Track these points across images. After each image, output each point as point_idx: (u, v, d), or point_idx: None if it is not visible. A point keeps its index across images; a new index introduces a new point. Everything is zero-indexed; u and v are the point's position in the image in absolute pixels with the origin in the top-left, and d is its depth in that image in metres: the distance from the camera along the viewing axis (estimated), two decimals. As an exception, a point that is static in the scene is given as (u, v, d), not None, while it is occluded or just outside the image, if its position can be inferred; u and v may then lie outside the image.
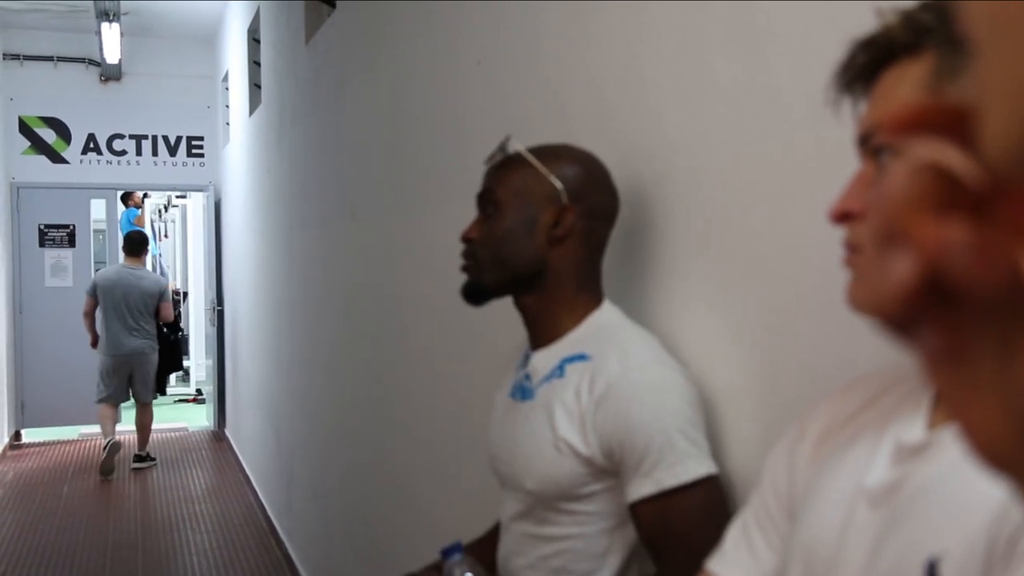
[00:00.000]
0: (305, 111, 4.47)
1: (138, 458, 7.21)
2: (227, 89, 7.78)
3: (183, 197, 11.27)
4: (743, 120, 1.29)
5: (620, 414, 1.31)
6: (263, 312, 6.00)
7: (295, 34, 4.62)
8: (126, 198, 9.88)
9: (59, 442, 8.26)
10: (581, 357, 1.40)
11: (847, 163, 0.85)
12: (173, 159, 8.74)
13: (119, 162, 8.60)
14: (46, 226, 8.38)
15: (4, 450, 7.79)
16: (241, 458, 7.25)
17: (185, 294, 11.14)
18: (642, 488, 1.30)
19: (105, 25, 7.16)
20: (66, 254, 8.44)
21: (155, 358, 7.31)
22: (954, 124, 0.26)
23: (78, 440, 8.36)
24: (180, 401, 10.26)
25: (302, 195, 4.63)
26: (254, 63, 6.23)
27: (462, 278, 1.50)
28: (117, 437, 7.08)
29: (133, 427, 7.32)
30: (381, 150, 3.17)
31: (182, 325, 9.76)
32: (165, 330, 7.57)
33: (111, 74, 8.46)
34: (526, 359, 1.50)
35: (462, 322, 2.33)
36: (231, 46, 7.29)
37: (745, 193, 1.30)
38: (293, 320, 4.95)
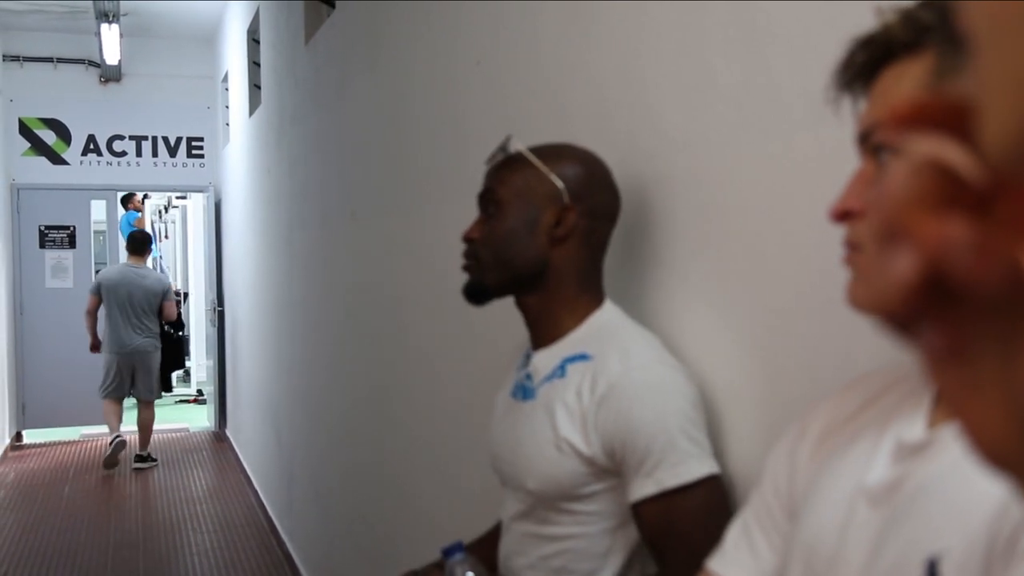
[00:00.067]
0: (305, 111, 4.47)
1: (139, 458, 7.23)
2: (227, 90, 7.78)
3: (183, 198, 11.27)
4: (743, 120, 1.29)
5: (622, 414, 1.31)
6: (263, 313, 6.00)
7: (295, 34, 4.62)
8: (126, 201, 9.89)
9: (60, 443, 8.26)
10: (582, 357, 1.40)
11: (847, 162, 0.85)
12: (173, 160, 8.75)
13: (119, 163, 8.60)
14: (46, 227, 8.38)
15: (5, 451, 7.79)
16: (242, 458, 7.25)
17: (186, 295, 11.14)
18: (644, 488, 1.30)
19: (105, 26, 7.17)
20: (66, 255, 8.44)
21: (158, 356, 7.35)
22: (954, 121, 0.26)
23: (79, 441, 8.36)
24: (181, 402, 10.26)
25: (302, 195, 4.63)
26: (254, 63, 6.23)
27: (463, 278, 1.50)
28: (123, 436, 7.14)
29: (135, 426, 7.34)
30: (381, 150, 3.17)
31: (184, 322, 9.76)
32: (168, 329, 7.58)
33: (111, 75, 8.46)
34: (527, 359, 1.50)
35: (462, 322, 2.33)
36: (231, 47, 7.29)
37: (745, 192, 1.30)
38: (294, 320, 4.95)
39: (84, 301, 7.39)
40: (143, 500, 6.51)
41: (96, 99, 8.52)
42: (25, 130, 8.37)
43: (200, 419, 9.25)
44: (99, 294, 7.13)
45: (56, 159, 8.44)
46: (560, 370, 1.41)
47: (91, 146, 8.52)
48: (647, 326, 1.45)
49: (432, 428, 2.68)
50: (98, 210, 8.78)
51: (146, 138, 8.66)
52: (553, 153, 1.45)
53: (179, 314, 8.10)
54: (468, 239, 1.47)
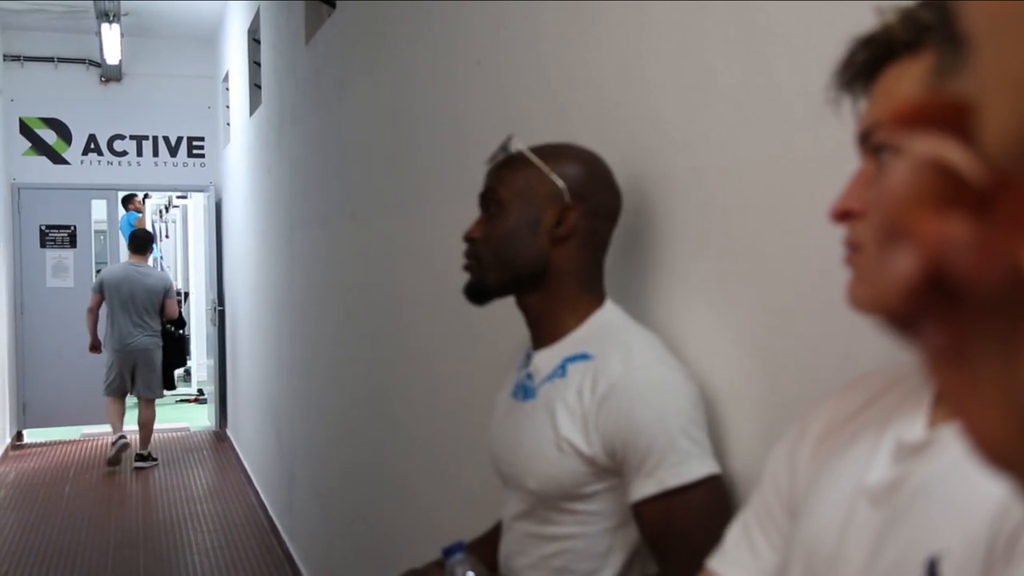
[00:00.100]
0: (305, 111, 4.47)
1: (140, 457, 7.25)
2: (227, 89, 7.78)
3: (184, 198, 11.28)
4: (743, 119, 1.29)
5: (623, 414, 1.31)
6: (264, 312, 6.01)
7: (295, 34, 4.62)
8: (127, 202, 9.90)
9: (61, 442, 8.26)
10: (583, 356, 1.40)
11: (847, 162, 0.85)
12: (174, 159, 8.75)
13: (120, 163, 8.60)
14: (47, 227, 8.39)
15: (6, 450, 7.79)
16: (242, 458, 7.26)
17: (186, 294, 11.14)
18: (645, 488, 1.30)
19: (105, 26, 7.17)
20: (67, 255, 8.45)
21: (159, 354, 7.38)
22: (954, 120, 0.26)
23: (80, 440, 8.37)
24: (182, 401, 10.27)
25: (303, 195, 4.63)
26: (254, 63, 6.24)
27: (463, 278, 1.50)
28: (127, 438, 7.20)
29: (136, 425, 7.36)
30: (381, 150, 3.17)
31: (186, 320, 9.76)
32: (170, 326, 7.60)
33: (111, 75, 8.46)
34: (528, 358, 1.50)
35: (462, 322, 2.33)
36: (231, 46, 7.29)
37: (746, 192, 1.30)
38: (294, 320, 4.95)
39: (85, 301, 7.42)
40: (144, 499, 6.51)
41: (97, 99, 8.52)
42: (26, 130, 8.37)
43: (201, 418, 9.25)
44: (102, 292, 7.17)
45: (57, 159, 8.44)
46: (561, 370, 1.41)
47: (92, 146, 8.52)
48: (648, 326, 1.45)
49: (432, 428, 2.68)
50: (99, 210, 8.79)
51: (147, 138, 8.66)
52: (554, 153, 1.45)
53: (180, 312, 8.11)
54: (469, 239, 1.47)
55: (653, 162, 1.51)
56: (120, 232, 9.10)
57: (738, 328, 1.33)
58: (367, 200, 3.41)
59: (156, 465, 7.30)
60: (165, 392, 7.98)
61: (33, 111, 8.36)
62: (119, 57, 7.93)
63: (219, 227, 8.49)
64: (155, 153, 8.69)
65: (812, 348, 1.18)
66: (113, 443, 7.20)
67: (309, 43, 4.33)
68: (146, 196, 10.79)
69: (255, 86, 6.21)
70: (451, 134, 2.47)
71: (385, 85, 3.07)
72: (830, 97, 0.85)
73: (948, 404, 0.28)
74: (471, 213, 1.52)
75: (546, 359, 1.45)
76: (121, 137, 8.59)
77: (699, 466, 1.29)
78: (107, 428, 7.92)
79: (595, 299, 1.46)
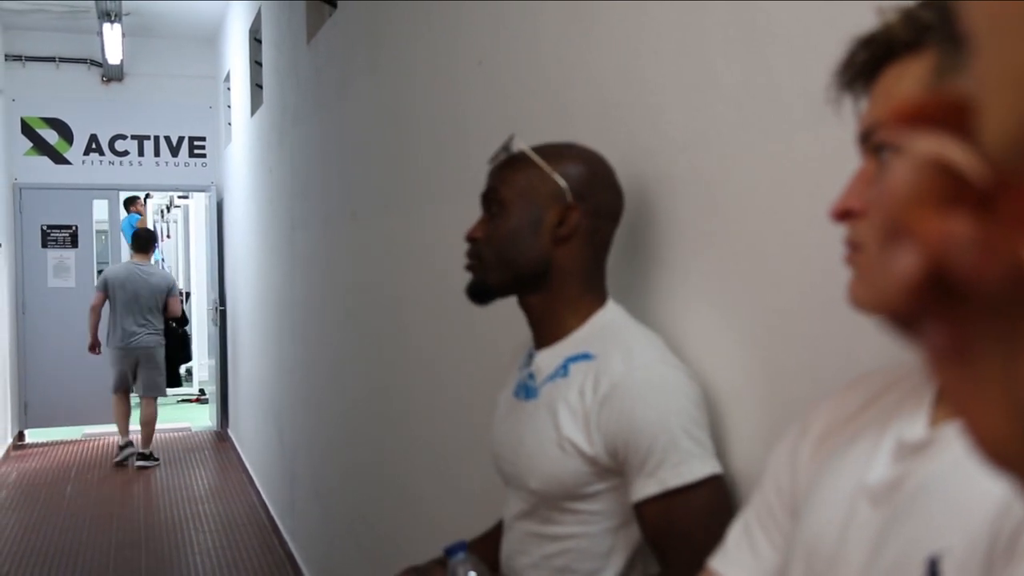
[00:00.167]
0: (307, 111, 4.47)
1: (142, 456, 7.27)
2: (229, 89, 7.79)
3: (185, 197, 11.27)
4: (744, 119, 1.29)
5: (624, 413, 1.31)
6: (265, 312, 6.01)
7: (296, 34, 4.62)
8: (129, 204, 9.91)
9: (62, 442, 8.26)
10: (585, 356, 1.39)
11: (848, 162, 0.85)
12: (175, 159, 8.75)
13: (121, 163, 8.60)
14: (49, 227, 8.39)
15: (8, 450, 7.80)
16: (244, 458, 7.26)
17: (188, 294, 11.15)
18: (646, 488, 1.30)
19: (107, 26, 7.17)
20: (69, 255, 8.45)
21: (162, 352, 7.43)
22: (955, 119, 0.26)
23: (81, 440, 8.37)
24: (183, 401, 10.27)
25: (304, 195, 4.63)
26: (256, 63, 6.24)
27: (464, 278, 1.50)
28: (133, 443, 7.32)
29: (138, 424, 7.40)
30: (383, 150, 3.17)
31: (188, 318, 9.78)
32: (173, 323, 7.64)
33: (113, 75, 8.46)
34: (530, 358, 1.50)
35: (463, 322, 2.33)
36: (233, 46, 7.30)
37: (747, 192, 1.30)
38: (295, 320, 4.95)
39: (86, 301, 7.45)
40: (145, 499, 6.51)
41: (98, 99, 8.52)
42: (27, 130, 8.37)
43: (202, 418, 9.26)
44: (105, 290, 7.22)
45: (58, 159, 8.44)
46: (563, 369, 1.41)
47: (93, 146, 8.52)
48: (649, 325, 1.45)
49: (433, 428, 2.69)
50: (100, 210, 8.79)
51: (148, 138, 8.66)
52: (556, 152, 1.45)
53: (183, 309, 8.14)
54: (471, 239, 1.47)
55: (654, 162, 1.51)
56: (121, 234, 9.10)
57: (739, 327, 1.33)
58: (368, 200, 3.41)
59: (158, 465, 7.31)
60: (169, 392, 8.02)
61: (35, 111, 8.36)
62: (120, 57, 7.93)
63: (220, 227, 8.49)
64: (156, 153, 8.69)
65: (813, 348, 1.18)
66: (121, 447, 7.33)
67: (310, 43, 4.33)
68: (147, 196, 10.79)
69: (256, 86, 6.21)
70: (452, 134, 2.47)
71: (386, 85, 3.07)
72: (831, 97, 0.85)
73: (949, 403, 0.28)
74: (473, 213, 1.52)
75: (548, 359, 1.45)
76: (122, 137, 8.60)
77: (701, 466, 1.29)
78: (109, 428, 7.99)
79: (597, 299, 1.46)
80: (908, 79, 0.77)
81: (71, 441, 8.33)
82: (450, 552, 1.47)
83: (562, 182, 1.41)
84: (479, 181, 1.52)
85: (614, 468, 1.34)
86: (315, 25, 4.31)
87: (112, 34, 7.30)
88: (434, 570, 1.55)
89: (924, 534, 0.72)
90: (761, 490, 0.99)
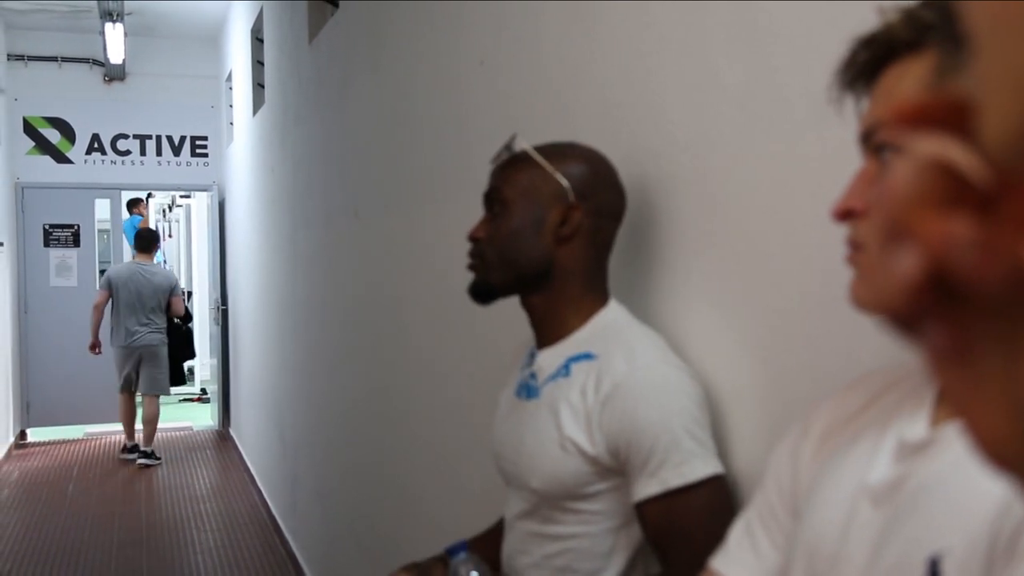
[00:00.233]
0: (309, 111, 4.47)
1: (143, 454, 7.30)
2: (231, 89, 7.79)
3: (187, 197, 11.28)
4: (746, 119, 1.29)
5: (626, 413, 1.31)
6: (267, 311, 6.01)
7: (298, 34, 4.63)
8: (132, 206, 9.92)
9: (64, 441, 8.27)
10: (587, 356, 1.39)
11: (850, 162, 0.85)
12: (177, 159, 8.76)
13: (123, 162, 8.61)
14: (51, 226, 8.40)
15: (10, 449, 7.81)
16: (245, 457, 7.27)
17: (190, 294, 11.16)
18: (648, 488, 1.30)
19: (109, 25, 7.17)
20: (71, 254, 8.46)
21: (164, 351, 7.46)
22: (956, 119, 0.26)
23: (83, 439, 8.38)
24: (185, 400, 10.28)
25: (306, 195, 4.63)
26: (258, 63, 6.24)
27: (465, 278, 1.50)
28: (139, 445, 7.40)
29: (140, 423, 7.45)
30: (385, 150, 3.17)
31: (192, 315, 9.79)
32: (177, 321, 7.66)
33: (115, 74, 8.47)
34: (532, 357, 1.50)
35: (464, 322, 2.33)
36: (235, 46, 7.30)
37: (749, 192, 1.30)
38: (297, 320, 4.96)
39: (88, 300, 7.47)
40: (147, 498, 6.52)
41: (100, 98, 8.53)
42: (29, 129, 8.38)
43: (204, 418, 9.26)
44: (109, 289, 7.25)
45: (60, 158, 8.45)
46: (565, 369, 1.41)
47: (95, 145, 8.53)
48: (651, 325, 1.45)
49: (434, 427, 2.69)
50: (102, 209, 8.80)
51: (150, 137, 8.67)
52: (558, 152, 1.45)
53: (186, 307, 8.17)
54: (473, 238, 1.47)
55: (656, 162, 1.51)
56: (124, 235, 9.11)
57: (741, 328, 1.33)
58: (370, 200, 3.41)
59: (159, 464, 7.33)
60: (172, 391, 8.04)
61: (37, 110, 8.37)
62: (123, 56, 7.94)
63: (222, 226, 8.50)
64: (158, 152, 8.70)
65: (814, 348, 1.18)
66: (128, 449, 7.43)
67: (312, 42, 4.33)
68: (149, 195, 10.79)
69: (258, 85, 6.21)
70: (454, 133, 2.47)
71: (388, 84, 3.07)
72: (832, 97, 0.85)
73: (950, 404, 0.28)
74: (475, 213, 1.52)
75: (550, 358, 1.45)
76: (125, 136, 8.60)
77: (702, 466, 1.29)
78: (110, 427, 8.04)
79: (599, 298, 1.46)
80: (909, 79, 0.77)
81: (73, 440, 8.34)
82: (452, 552, 1.47)
83: (564, 182, 1.41)
84: (481, 181, 1.52)
85: (615, 468, 1.34)
86: (317, 25, 4.31)
87: (114, 34, 7.31)
88: (434, 567, 1.55)
89: (925, 534, 0.72)
90: (763, 490, 0.99)
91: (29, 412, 8.33)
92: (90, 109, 8.48)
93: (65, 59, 8.39)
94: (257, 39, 6.24)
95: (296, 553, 5.03)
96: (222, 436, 8.43)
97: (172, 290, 7.47)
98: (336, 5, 4.00)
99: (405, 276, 2.97)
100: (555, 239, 1.42)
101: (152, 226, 10.80)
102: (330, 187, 4.10)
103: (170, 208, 12.98)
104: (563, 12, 1.82)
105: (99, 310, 7.27)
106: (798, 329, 1.22)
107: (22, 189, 8.28)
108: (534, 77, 1.96)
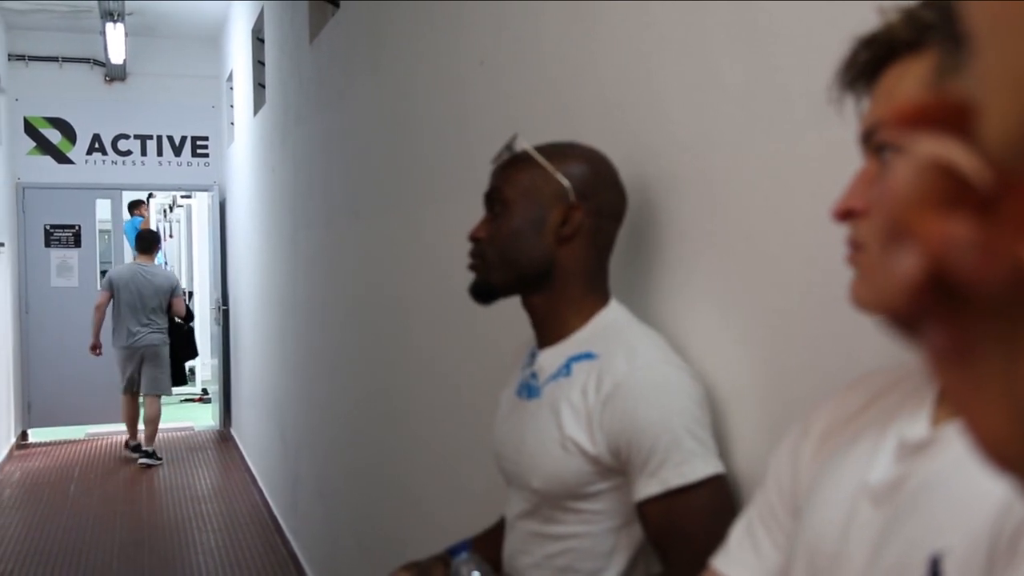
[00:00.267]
0: (309, 111, 4.47)
1: (145, 454, 7.31)
2: (231, 89, 7.79)
3: (188, 197, 11.29)
4: (747, 119, 1.29)
5: (627, 413, 1.31)
6: (268, 312, 6.01)
7: (299, 34, 4.63)
8: (133, 208, 9.93)
9: (65, 442, 8.27)
10: (588, 356, 1.39)
11: (851, 162, 0.85)
12: (178, 159, 8.76)
13: (124, 162, 8.62)
14: (52, 226, 8.41)
15: (11, 450, 7.81)
16: (247, 457, 7.27)
17: (190, 294, 11.16)
18: (648, 487, 1.30)
19: (109, 25, 7.18)
20: (72, 254, 8.46)
21: (166, 351, 7.48)
22: (956, 120, 0.26)
23: (84, 440, 8.38)
24: (186, 400, 10.28)
25: (307, 195, 4.63)
26: (258, 63, 6.24)
27: (466, 278, 1.50)
28: (142, 445, 7.43)
29: (142, 422, 7.47)
30: (385, 150, 3.17)
31: (194, 314, 9.80)
32: (179, 320, 7.68)
33: (116, 74, 8.47)
34: (533, 357, 1.50)
35: (465, 322, 2.33)
36: (235, 46, 7.30)
37: (750, 192, 1.30)
38: (298, 320, 4.96)
39: (89, 300, 7.50)
40: (148, 499, 6.52)
41: (101, 98, 8.53)
42: (30, 129, 8.39)
43: (205, 418, 9.27)
44: (111, 290, 7.28)
45: (61, 158, 8.46)
46: (566, 369, 1.41)
47: (96, 145, 8.54)
48: (652, 325, 1.45)
49: (435, 427, 2.69)
50: (103, 209, 8.81)
51: (151, 137, 8.67)
52: (559, 152, 1.45)
53: (188, 307, 8.18)
54: (474, 238, 1.47)
55: (657, 161, 1.51)
56: (125, 236, 9.11)
57: (742, 327, 1.33)
58: (371, 200, 3.41)
59: (161, 464, 7.33)
60: (173, 391, 8.06)
61: (38, 111, 8.38)
62: (123, 57, 7.94)
63: (223, 227, 8.50)
64: (159, 152, 8.71)
65: (815, 348, 1.18)
66: (131, 448, 7.47)
67: (313, 42, 4.34)
68: (150, 196, 10.80)
69: (259, 85, 6.21)
70: (455, 134, 2.47)
71: (389, 84, 3.07)
72: (833, 96, 0.85)
73: (951, 404, 0.28)
74: (475, 213, 1.52)
75: (551, 358, 1.45)
76: (125, 136, 8.61)
77: (703, 466, 1.29)
78: (112, 428, 8.07)
79: (600, 298, 1.46)
80: (910, 79, 0.77)
81: (74, 440, 8.34)
82: (454, 551, 1.47)
83: (565, 182, 1.41)
84: (482, 181, 1.52)
85: (616, 467, 1.34)
86: (318, 25, 4.32)
87: (115, 34, 7.31)
88: (434, 567, 1.55)
89: (926, 533, 0.72)
90: (763, 490, 0.99)
91: (30, 412, 8.34)
92: (91, 109, 8.48)
93: (66, 59, 8.39)
94: (258, 39, 6.25)
95: (297, 553, 5.03)
96: (223, 436, 8.43)
97: (173, 291, 7.50)
98: (337, 5, 4.00)
99: (406, 276, 2.97)
100: (556, 239, 1.42)
101: (153, 226, 10.81)
102: (331, 187, 4.10)
103: (171, 208, 12.99)
104: (563, 12, 1.82)
105: (100, 311, 7.30)
106: (799, 329, 1.22)
107: (23, 189, 8.28)
108: (535, 77, 1.96)
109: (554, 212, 1.42)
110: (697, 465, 1.29)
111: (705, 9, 1.37)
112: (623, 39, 1.61)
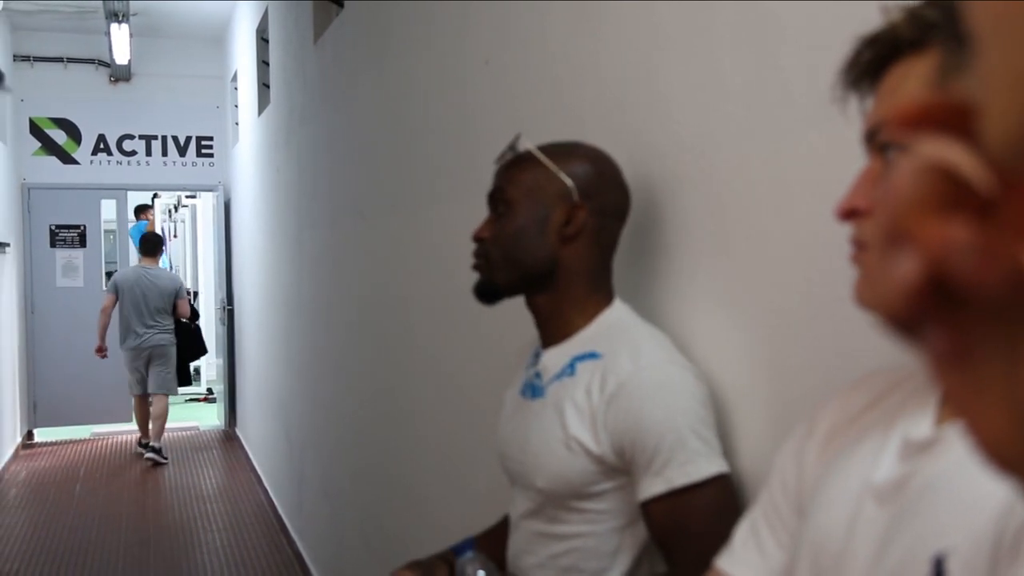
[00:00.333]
0: (314, 110, 4.48)
1: (152, 449, 7.38)
2: (236, 89, 7.80)
3: (193, 197, 11.30)
4: (752, 119, 1.29)
5: (631, 413, 1.31)
6: (273, 312, 6.02)
7: (303, 34, 4.63)
8: (139, 211, 9.95)
9: (71, 441, 8.30)
10: (592, 355, 1.39)
11: (855, 161, 0.84)
12: (183, 159, 8.78)
13: (129, 162, 8.63)
14: (57, 227, 8.43)
15: (17, 450, 7.83)
16: (252, 457, 7.28)
17: (195, 294, 11.18)
18: (653, 487, 1.30)
19: (114, 26, 7.19)
20: (77, 254, 8.48)
21: (173, 351, 7.53)
22: (958, 120, 0.26)
23: (90, 439, 8.41)
24: (191, 400, 10.30)
25: (311, 195, 4.64)
26: (263, 63, 6.25)
27: (470, 277, 1.50)
28: (152, 444, 7.50)
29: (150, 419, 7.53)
30: (390, 150, 3.18)
31: (199, 313, 9.82)
32: (184, 320, 7.70)
33: (121, 75, 8.49)
34: (537, 357, 1.50)
35: (470, 321, 2.33)
36: (240, 46, 7.31)
37: (754, 191, 1.30)
38: (303, 320, 4.96)
39: (95, 300, 7.54)
40: (154, 498, 6.53)
41: (106, 99, 8.55)
42: (35, 130, 8.41)
43: (210, 418, 9.28)
44: (116, 293, 7.32)
45: (66, 159, 8.48)
46: (570, 368, 1.41)
47: (101, 146, 8.55)
48: (656, 325, 1.44)
49: (439, 427, 2.69)
50: (108, 209, 8.83)
51: (156, 137, 8.69)
52: (563, 152, 1.45)
53: (193, 307, 8.21)
54: (478, 238, 1.47)
55: (661, 161, 1.51)
56: (130, 239, 9.13)
57: (746, 327, 1.33)
58: (375, 200, 3.42)
59: (166, 463, 7.35)
60: (179, 390, 8.11)
61: (43, 111, 8.40)
62: (128, 57, 7.95)
63: (228, 227, 8.51)
64: (164, 153, 8.72)
65: (819, 347, 1.18)
66: (141, 444, 7.53)
67: (317, 42, 4.34)
68: (155, 196, 10.82)
69: (264, 85, 6.22)
70: (459, 133, 2.47)
71: (393, 84, 3.07)
72: (836, 96, 0.84)
73: (952, 407, 0.28)
74: (479, 212, 1.52)
75: (555, 358, 1.45)
76: (130, 137, 8.62)
77: (707, 465, 1.29)
78: (117, 427, 8.15)
79: (604, 298, 1.46)
80: (913, 78, 0.76)
81: (80, 440, 8.36)
82: (458, 550, 1.47)
83: (569, 181, 1.41)
84: (486, 181, 1.52)
85: (621, 467, 1.34)
86: (322, 25, 4.32)
87: (120, 34, 7.33)
88: (437, 566, 1.55)
89: (930, 532, 0.72)
90: (768, 489, 0.99)
91: (36, 412, 8.36)
92: (96, 110, 8.50)
93: (71, 60, 8.41)
94: (262, 39, 6.25)
95: (303, 553, 5.04)
96: (228, 436, 8.44)
97: (177, 292, 7.54)
98: (341, 5, 4.00)
99: (410, 276, 2.97)
100: (559, 239, 1.42)
101: (158, 226, 10.83)
102: (336, 187, 4.10)
103: (176, 208, 12.99)
104: (568, 12, 1.82)
105: (106, 314, 7.33)
106: (803, 329, 1.22)
107: (28, 190, 8.30)
108: (539, 77, 1.96)
109: (558, 212, 1.42)
110: (701, 464, 1.29)
111: (710, 9, 1.37)
112: (628, 39, 1.61)
